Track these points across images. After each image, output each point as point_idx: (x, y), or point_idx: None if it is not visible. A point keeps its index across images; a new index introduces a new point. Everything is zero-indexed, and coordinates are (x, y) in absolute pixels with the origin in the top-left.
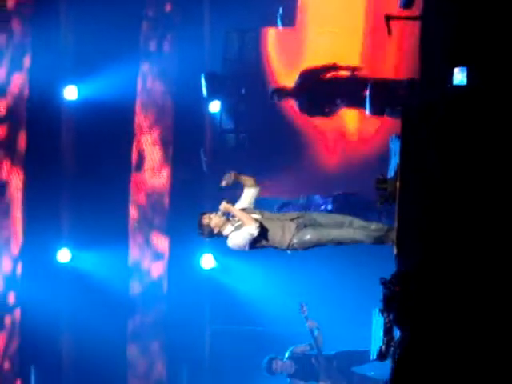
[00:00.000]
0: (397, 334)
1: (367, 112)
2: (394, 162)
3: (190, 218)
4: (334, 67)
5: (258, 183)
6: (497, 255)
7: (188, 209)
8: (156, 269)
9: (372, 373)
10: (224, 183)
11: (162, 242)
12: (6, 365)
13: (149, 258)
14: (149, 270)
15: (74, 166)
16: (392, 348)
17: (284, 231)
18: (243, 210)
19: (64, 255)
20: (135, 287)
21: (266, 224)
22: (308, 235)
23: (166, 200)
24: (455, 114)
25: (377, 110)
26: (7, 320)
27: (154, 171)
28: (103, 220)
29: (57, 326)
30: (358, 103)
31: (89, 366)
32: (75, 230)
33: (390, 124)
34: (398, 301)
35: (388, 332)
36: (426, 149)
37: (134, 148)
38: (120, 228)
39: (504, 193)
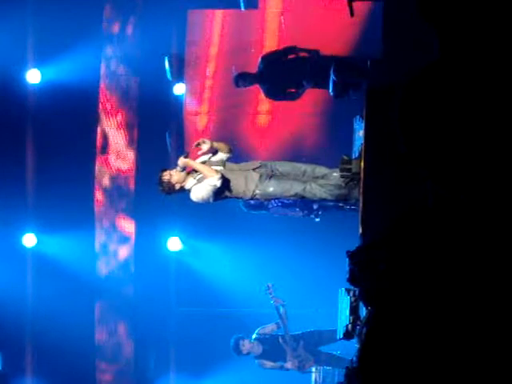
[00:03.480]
0: (363, 313)
1: (331, 94)
2: (359, 142)
3: (156, 201)
4: (294, 49)
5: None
6: (466, 230)
7: (154, 192)
8: (122, 252)
9: (338, 352)
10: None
11: (128, 225)
12: None
13: (115, 241)
14: (115, 253)
15: (38, 151)
16: (358, 327)
17: (247, 181)
18: (204, 163)
19: (29, 240)
20: (102, 270)
21: (229, 175)
22: (271, 188)
23: (132, 183)
24: (417, 93)
25: (340, 92)
26: None
27: (118, 154)
28: (68, 204)
29: (23, 311)
30: (323, 83)
31: (57, 350)
32: (40, 214)
33: None
34: (363, 275)
35: (354, 311)
36: (390, 129)
37: (98, 131)
38: (86, 212)
39: (471, 167)
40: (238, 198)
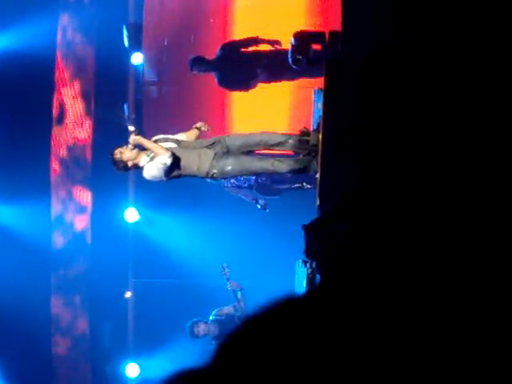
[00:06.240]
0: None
1: (289, 61)
2: (317, 114)
3: (113, 171)
4: (256, 41)
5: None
6: (421, 214)
7: (110, 162)
8: (79, 222)
9: None
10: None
11: (84, 196)
12: None
13: (72, 211)
14: (72, 224)
15: None
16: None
17: (201, 159)
18: (156, 140)
19: None
20: (58, 241)
21: (181, 153)
22: (229, 166)
23: (89, 153)
24: (374, 68)
25: (298, 57)
26: None
27: (75, 124)
28: (24, 174)
29: None
30: (279, 74)
31: (11, 322)
32: None
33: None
34: (320, 248)
35: (311, 282)
36: (348, 102)
37: (54, 101)
38: (42, 182)
39: (425, 143)
40: (192, 176)
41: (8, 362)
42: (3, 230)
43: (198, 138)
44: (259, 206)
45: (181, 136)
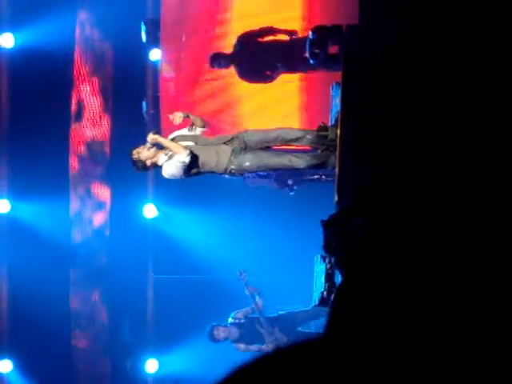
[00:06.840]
0: (338, 280)
1: (311, 62)
2: (335, 109)
3: (132, 168)
4: (272, 31)
5: (205, 124)
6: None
7: (129, 158)
8: (98, 219)
9: (313, 329)
10: (175, 120)
11: (103, 192)
12: None
13: (90, 208)
14: (90, 220)
15: (12, 116)
16: (333, 294)
17: (219, 156)
18: (173, 138)
19: (3, 206)
20: (77, 237)
21: (199, 150)
22: (247, 162)
23: (107, 150)
24: (392, 61)
25: (316, 50)
26: None
27: (94, 121)
28: (43, 171)
29: None
30: (297, 66)
31: (31, 317)
32: (14, 180)
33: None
34: (338, 243)
35: (329, 278)
36: (366, 96)
37: (73, 97)
38: (60, 178)
39: (443, 136)
40: (210, 172)
41: (28, 356)
42: (23, 226)
43: (203, 126)
44: (287, 188)
45: (194, 130)
